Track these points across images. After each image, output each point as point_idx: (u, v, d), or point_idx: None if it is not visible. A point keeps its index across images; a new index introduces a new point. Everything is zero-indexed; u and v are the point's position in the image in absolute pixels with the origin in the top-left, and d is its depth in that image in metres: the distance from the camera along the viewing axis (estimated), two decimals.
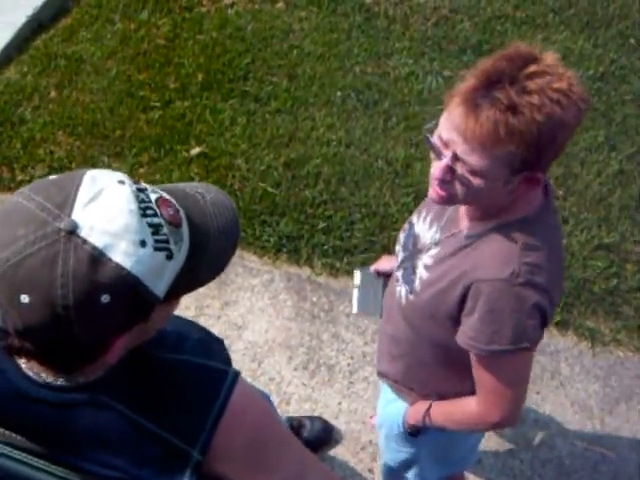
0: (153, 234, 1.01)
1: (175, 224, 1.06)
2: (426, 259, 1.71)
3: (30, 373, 1.12)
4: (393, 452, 2.18)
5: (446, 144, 1.44)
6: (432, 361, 1.84)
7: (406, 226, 1.88)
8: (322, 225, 3.59)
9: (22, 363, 1.13)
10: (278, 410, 2.44)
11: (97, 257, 0.96)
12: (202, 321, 3.19)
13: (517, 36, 4.55)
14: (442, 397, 1.86)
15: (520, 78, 1.34)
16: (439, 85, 4.26)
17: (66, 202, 0.98)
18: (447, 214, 1.71)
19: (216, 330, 3.22)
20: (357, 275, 2.27)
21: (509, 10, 4.74)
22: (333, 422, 2.97)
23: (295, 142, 4.01)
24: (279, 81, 4.34)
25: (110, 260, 0.97)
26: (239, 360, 3.10)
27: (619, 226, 3.54)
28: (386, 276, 2.16)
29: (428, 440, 2.01)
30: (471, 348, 1.57)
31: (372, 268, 2.23)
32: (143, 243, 0.99)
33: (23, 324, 0.97)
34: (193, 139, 4.05)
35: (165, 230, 1.03)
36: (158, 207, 1.05)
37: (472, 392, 1.74)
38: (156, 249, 1.01)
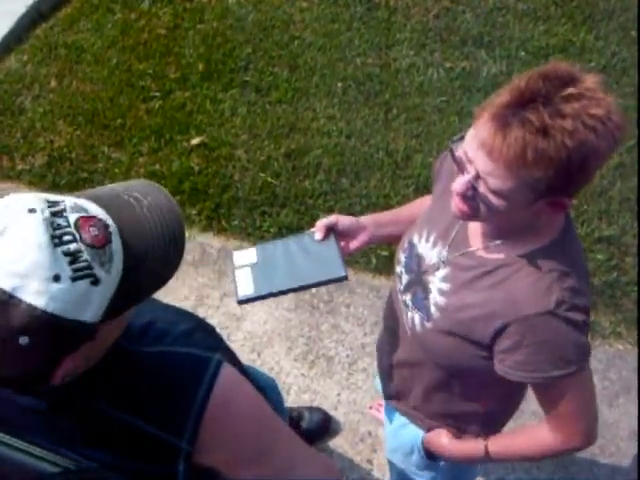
0: (70, 263, 0.95)
1: (99, 245, 0.99)
2: (439, 283, 1.64)
3: None
4: (410, 474, 2.15)
5: (470, 160, 1.37)
6: (448, 383, 1.79)
7: (406, 245, 1.79)
8: (322, 216, 3.54)
9: None
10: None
11: (6, 301, 0.91)
12: (201, 311, 3.19)
13: (518, 28, 4.54)
14: (451, 417, 1.85)
15: (555, 100, 1.26)
16: (440, 77, 4.25)
17: None
18: (454, 232, 1.64)
19: (215, 321, 3.23)
20: (241, 254, 1.84)
21: (510, 2, 4.73)
22: (332, 413, 2.97)
23: (295, 133, 4.00)
24: (280, 71, 4.33)
25: (21, 301, 0.91)
26: (238, 350, 3.07)
27: (619, 219, 3.54)
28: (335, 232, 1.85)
29: (449, 463, 2.00)
30: (535, 379, 1.51)
31: (314, 230, 1.85)
32: (57, 278, 0.93)
33: None
34: (193, 129, 4.04)
35: (85, 256, 0.97)
36: (78, 230, 0.98)
37: (481, 409, 1.76)
38: (75, 279, 0.95)
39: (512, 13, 4.65)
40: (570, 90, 1.27)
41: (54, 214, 0.97)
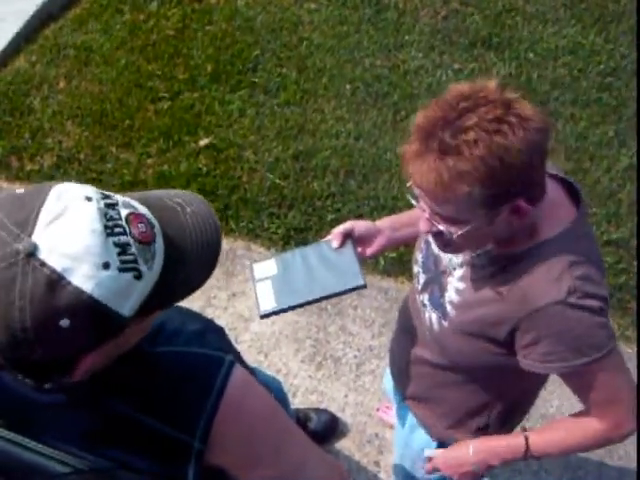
0: (119, 254, 0.97)
1: (146, 242, 1.02)
2: (456, 283, 1.65)
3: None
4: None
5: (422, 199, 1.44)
6: (465, 381, 1.79)
7: (422, 245, 1.80)
8: (330, 217, 3.59)
9: None
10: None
11: (55, 281, 0.93)
12: (209, 312, 3.19)
13: (527, 30, 4.53)
14: (468, 415, 1.85)
15: (452, 119, 1.30)
16: (449, 78, 4.24)
17: (27, 221, 0.95)
18: None
19: (223, 322, 3.23)
20: (261, 267, 1.87)
21: (520, 3, 4.72)
22: (339, 415, 2.97)
23: (304, 134, 4.00)
24: (288, 73, 4.33)
25: (69, 283, 0.93)
26: (245, 352, 3.10)
27: (628, 222, 3.52)
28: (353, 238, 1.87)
29: None
30: (562, 369, 1.51)
31: (330, 238, 1.87)
32: (106, 265, 0.95)
33: None
34: (202, 130, 4.05)
35: (133, 249, 0.99)
36: (128, 224, 1.01)
37: (499, 407, 1.77)
38: (122, 270, 0.97)
39: (521, 15, 4.64)
40: (463, 104, 1.31)
41: (107, 206, 1.00)
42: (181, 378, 1.18)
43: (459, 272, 1.64)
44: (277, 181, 3.76)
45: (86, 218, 0.96)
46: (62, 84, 4.36)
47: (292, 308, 1.77)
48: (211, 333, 1.29)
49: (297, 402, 3.00)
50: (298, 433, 1.37)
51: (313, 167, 3.82)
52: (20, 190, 1.01)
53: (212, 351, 1.23)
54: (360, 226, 1.87)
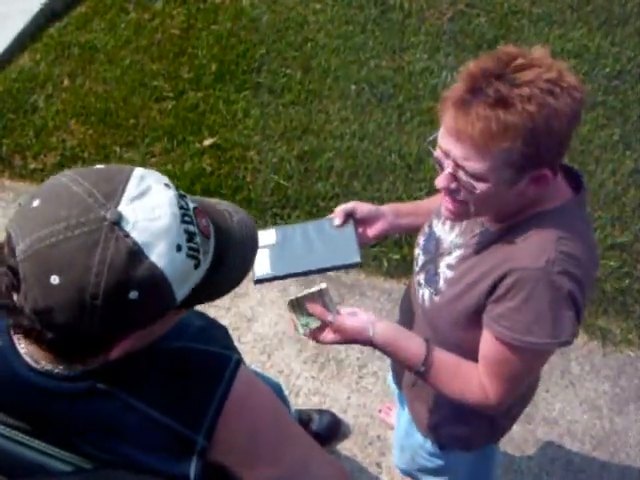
0: (188, 241, 1.03)
1: (206, 235, 1.08)
2: (449, 259, 1.67)
3: (29, 360, 1.12)
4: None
5: (446, 154, 1.42)
6: None
7: (426, 230, 1.83)
8: None
9: (21, 348, 1.13)
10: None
11: (136, 252, 0.96)
12: (212, 312, 3.16)
13: (533, 32, 4.52)
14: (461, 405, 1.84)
15: (507, 73, 1.33)
16: (454, 80, 4.21)
17: (114, 193, 0.99)
18: None
19: (226, 322, 3.23)
20: (263, 235, 1.82)
21: (526, 6, 4.71)
22: (341, 416, 2.96)
23: (308, 135, 4.00)
24: (293, 73, 4.33)
25: (147, 258, 0.97)
26: (248, 352, 3.10)
27: (633, 225, 3.52)
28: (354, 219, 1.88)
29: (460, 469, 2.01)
30: (505, 337, 1.50)
31: (333, 216, 1.88)
32: (179, 247, 1.01)
33: (46, 304, 0.96)
34: (206, 130, 4.05)
35: (198, 239, 1.05)
36: (195, 216, 1.06)
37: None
38: (188, 256, 1.02)
39: (527, 17, 4.64)
40: (519, 61, 1.34)
41: (180, 196, 1.06)
42: (188, 373, 1.19)
43: (457, 252, 1.66)
44: (281, 181, 3.76)
45: (167, 201, 1.02)
46: (66, 83, 4.37)
47: (286, 277, 1.81)
48: (216, 331, 1.30)
49: (299, 403, 3.00)
50: (301, 433, 1.38)
51: (317, 168, 3.82)
52: (101, 166, 1.07)
53: (219, 349, 1.24)
54: (363, 208, 1.88)
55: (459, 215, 1.53)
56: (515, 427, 2.83)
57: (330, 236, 1.84)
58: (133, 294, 0.97)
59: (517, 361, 1.54)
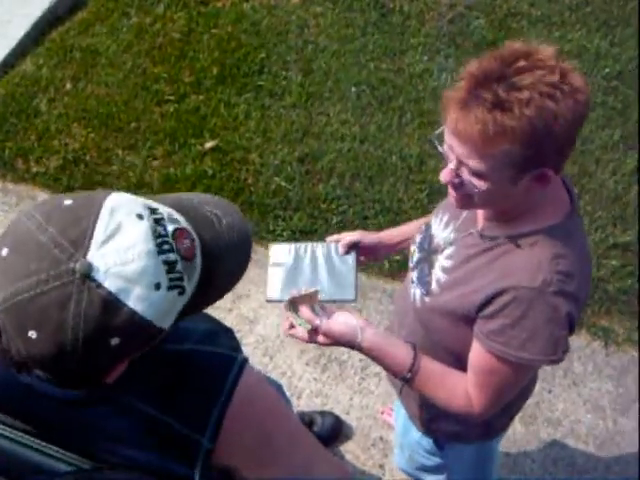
0: (168, 272, 0.98)
1: (189, 258, 1.03)
2: (443, 261, 1.68)
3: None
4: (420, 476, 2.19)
5: (451, 149, 1.44)
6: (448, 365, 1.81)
7: (423, 227, 1.85)
8: (335, 220, 3.59)
9: None
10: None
11: (111, 301, 0.94)
12: (213, 314, 3.17)
13: (533, 34, 4.52)
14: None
15: (508, 75, 1.33)
16: (454, 82, 4.23)
17: (82, 239, 0.94)
18: (464, 214, 1.69)
19: (227, 324, 3.19)
20: (279, 251, 2.03)
21: (525, 8, 4.71)
22: (344, 418, 2.97)
23: (309, 137, 4.00)
24: (294, 76, 4.34)
25: (124, 305, 0.94)
26: (250, 354, 3.07)
27: (634, 225, 3.52)
28: (357, 249, 2.00)
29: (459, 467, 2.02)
30: (499, 352, 1.51)
31: (339, 244, 1.99)
32: (158, 286, 0.97)
33: (27, 354, 0.96)
34: (207, 133, 4.05)
35: (179, 267, 1.00)
36: (175, 240, 1.01)
37: None
38: (170, 288, 0.99)
39: (526, 19, 4.64)
40: (521, 63, 1.34)
41: (156, 222, 1.00)
42: (193, 376, 1.18)
43: (448, 250, 1.67)
44: (282, 184, 3.76)
45: (140, 238, 0.96)
46: (68, 86, 4.38)
47: None
48: (222, 333, 1.30)
49: (302, 404, 3.00)
50: (305, 434, 1.38)
51: (318, 170, 3.83)
52: (69, 201, 0.99)
53: (224, 350, 1.24)
54: (366, 239, 1.98)
55: (464, 205, 1.55)
56: (518, 428, 2.85)
57: (334, 265, 1.97)
58: (114, 340, 0.95)
59: (507, 374, 1.56)
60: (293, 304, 1.70)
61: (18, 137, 4.11)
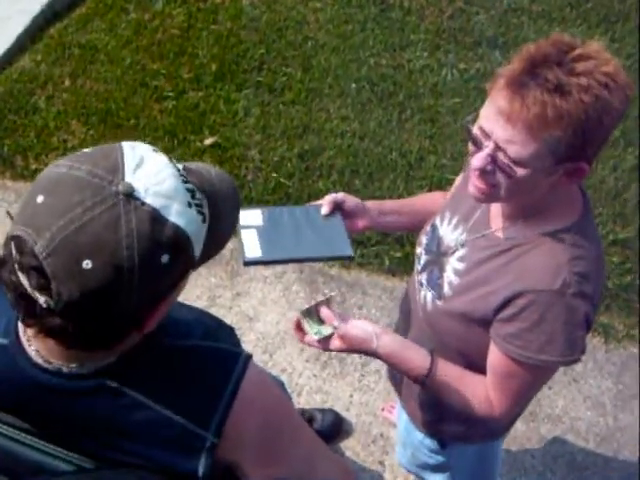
0: (192, 197, 1.04)
1: (202, 191, 1.09)
2: (455, 263, 1.65)
3: (40, 361, 1.12)
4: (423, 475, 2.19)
5: (487, 135, 1.38)
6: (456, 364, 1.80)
7: (428, 228, 1.81)
8: None
9: (31, 348, 1.13)
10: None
11: (157, 217, 0.98)
12: (214, 312, 3.15)
13: (533, 30, 4.52)
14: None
15: (566, 60, 1.30)
16: (454, 78, 4.24)
17: (116, 168, 0.99)
18: (476, 215, 1.65)
19: (228, 321, 3.17)
20: (249, 214, 1.81)
21: (525, 3, 4.71)
22: (344, 414, 2.96)
23: (309, 133, 4.00)
24: (293, 72, 4.33)
25: (167, 220, 0.99)
26: (250, 351, 3.08)
27: (634, 221, 3.51)
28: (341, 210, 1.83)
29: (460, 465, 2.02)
30: (518, 356, 1.50)
31: (322, 202, 1.82)
32: (189, 204, 1.03)
33: (82, 292, 0.94)
34: (207, 129, 4.05)
35: (198, 195, 1.06)
36: (187, 175, 1.07)
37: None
38: (197, 212, 1.04)
39: (527, 15, 4.64)
40: (579, 51, 1.32)
41: (169, 159, 1.07)
42: (198, 371, 1.19)
43: (459, 253, 1.65)
44: (282, 180, 3.76)
45: (163, 164, 1.04)
46: (67, 83, 4.37)
47: (277, 262, 1.80)
48: (223, 330, 1.30)
49: (302, 401, 3.00)
50: (307, 430, 1.38)
51: (318, 166, 3.82)
52: (88, 149, 1.06)
53: (228, 346, 1.24)
54: (350, 201, 1.82)
55: (489, 196, 1.48)
56: (518, 425, 2.84)
57: (319, 225, 1.79)
58: (165, 258, 0.99)
59: (526, 376, 1.55)
60: (309, 312, 1.65)
61: (17, 134, 4.10)
